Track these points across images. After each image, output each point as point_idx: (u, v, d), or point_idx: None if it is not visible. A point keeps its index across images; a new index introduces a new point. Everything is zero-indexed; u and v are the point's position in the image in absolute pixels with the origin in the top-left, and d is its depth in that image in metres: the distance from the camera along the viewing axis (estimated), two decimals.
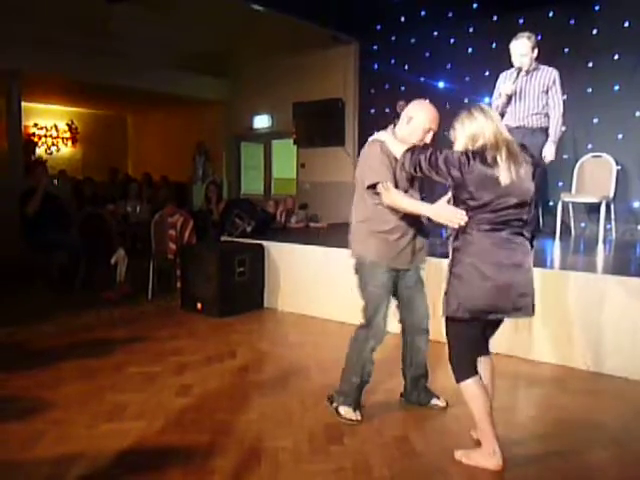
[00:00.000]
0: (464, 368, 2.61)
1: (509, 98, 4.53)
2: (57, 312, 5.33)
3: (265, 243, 5.82)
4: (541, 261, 4.82)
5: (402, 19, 7.97)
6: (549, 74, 4.48)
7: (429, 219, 2.85)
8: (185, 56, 10.05)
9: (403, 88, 8.06)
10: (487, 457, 2.59)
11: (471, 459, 2.65)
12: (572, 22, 6.63)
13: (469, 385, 2.58)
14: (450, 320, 2.61)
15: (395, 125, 3.04)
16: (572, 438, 2.91)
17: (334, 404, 3.15)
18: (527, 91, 4.49)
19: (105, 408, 3.21)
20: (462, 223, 2.49)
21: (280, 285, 5.66)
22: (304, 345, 4.53)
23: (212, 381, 3.68)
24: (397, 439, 2.88)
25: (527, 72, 4.50)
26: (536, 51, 4.47)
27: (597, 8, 6.46)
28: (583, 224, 6.54)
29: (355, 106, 9.04)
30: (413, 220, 2.98)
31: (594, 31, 6.47)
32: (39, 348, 4.36)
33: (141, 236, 6.51)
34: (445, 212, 2.58)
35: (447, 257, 2.67)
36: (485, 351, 2.75)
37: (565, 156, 6.42)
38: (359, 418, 3.08)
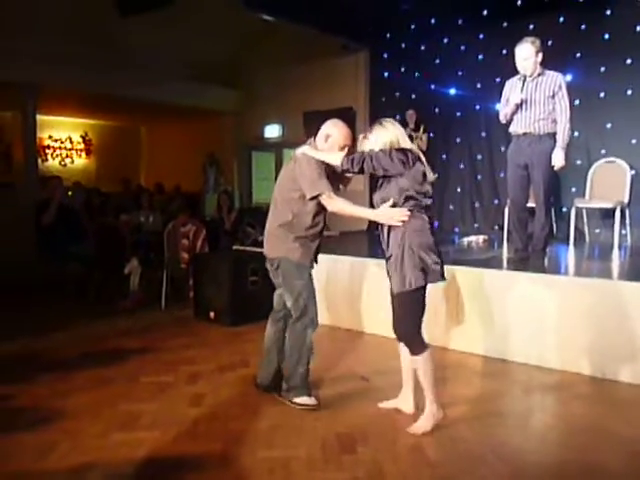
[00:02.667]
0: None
1: (517, 106, 4.51)
2: (71, 322, 5.37)
3: None
4: (555, 268, 4.79)
5: (412, 27, 8.00)
6: (554, 79, 4.45)
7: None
8: (197, 68, 10.16)
9: (414, 96, 8.06)
10: (430, 419, 3.01)
11: (419, 428, 2.99)
12: (583, 27, 6.60)
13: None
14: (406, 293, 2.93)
15: (315, 139, 3.34)
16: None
17: (290, 399, 3.36)
18: (534, 98, 4.47)
19: (118, 418, 3.22)
20: (406, 219, 2.90)
21: None
22: (316, 354, 4.50)
23: (225, 390, 3.68)
24: (411, 448, 2.85)
25: (533, 79, 4.47)
26: (540, 55, 4.43)
27: (608, 13, 6.42)
28: (597, 230, 6.47)
29: (366, 114, 9.04)
30: (324, 225, 3.38)
31: (606, 36, 6.43)
32: (53, 358, 4.39)
33: (154, 246, 6.54)
34: (393, 213, 2.93)
35: None
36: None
37: (578, 161, 6.37)
38: (315, 402, 3.34)
